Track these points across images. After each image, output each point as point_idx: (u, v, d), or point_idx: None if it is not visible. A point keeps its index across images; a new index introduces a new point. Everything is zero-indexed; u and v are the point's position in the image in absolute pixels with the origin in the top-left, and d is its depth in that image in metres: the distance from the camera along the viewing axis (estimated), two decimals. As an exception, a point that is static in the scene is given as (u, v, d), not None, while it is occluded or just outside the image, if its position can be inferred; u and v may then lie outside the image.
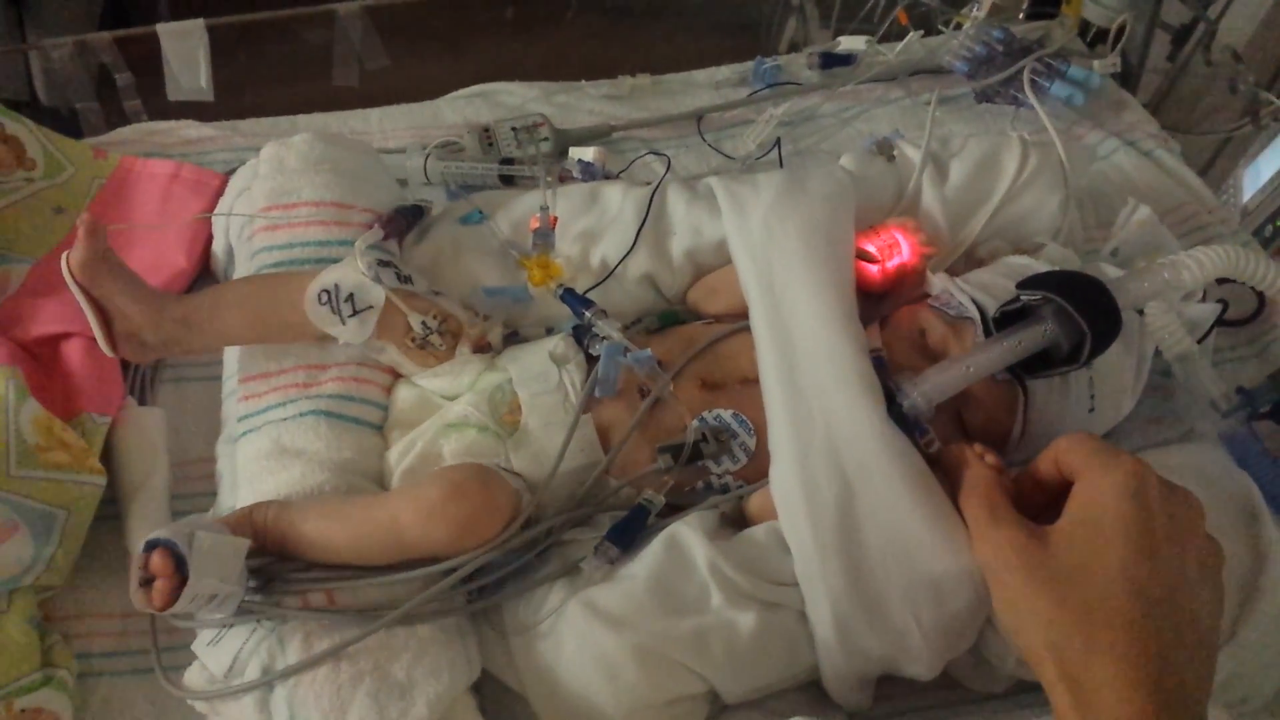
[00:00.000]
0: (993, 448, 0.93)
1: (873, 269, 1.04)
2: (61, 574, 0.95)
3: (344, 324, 0.97)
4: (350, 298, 0.97)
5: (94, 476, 0.97)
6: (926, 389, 0.89)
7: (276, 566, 0.88)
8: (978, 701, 0.94)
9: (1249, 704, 0.88)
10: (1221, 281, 1.06)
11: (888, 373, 0.93)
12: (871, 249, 1.05)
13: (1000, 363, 0.90)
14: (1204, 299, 1.08)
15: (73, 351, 1.06)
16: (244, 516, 0.88)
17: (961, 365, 0.90)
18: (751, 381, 0.96)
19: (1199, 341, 1.01)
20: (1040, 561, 0.73)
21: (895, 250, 1.05)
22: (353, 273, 0.98)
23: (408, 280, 1.01)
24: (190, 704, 0.87)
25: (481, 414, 0.97)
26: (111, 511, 1.00)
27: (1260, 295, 1.19)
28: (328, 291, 0.97)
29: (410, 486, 0.90)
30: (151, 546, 0.80)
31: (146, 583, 0.80)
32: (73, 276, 0.96)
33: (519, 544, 0.90)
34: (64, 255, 0.96)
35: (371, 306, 0.97)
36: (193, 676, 0.87)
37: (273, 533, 0.87)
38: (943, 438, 0.91)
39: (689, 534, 0.89)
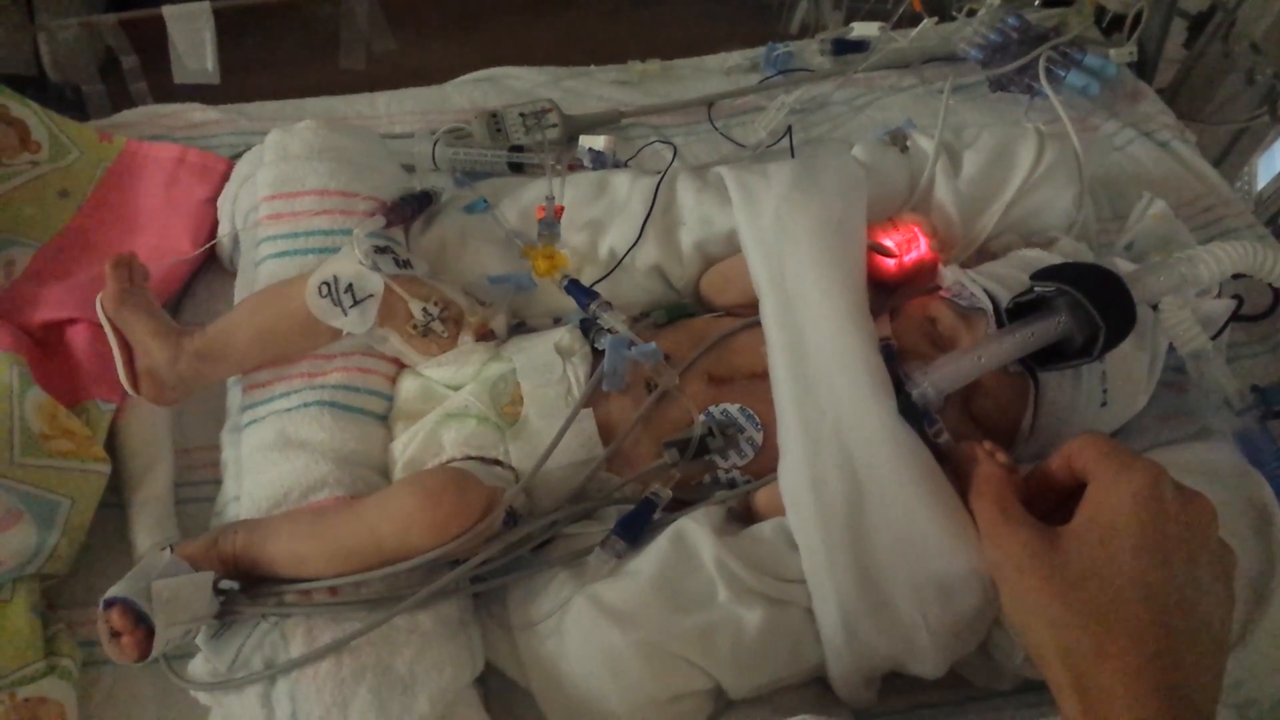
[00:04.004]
0: (1003, 440, 0.93)
1: (889, 263, 1.03)
2: (65, 562, 0.94)
3: (346, 315, 0.96)
4: (349, 288, 0.96)
5: (98, 464, 0.96)
6: (937, 378, 0.88)
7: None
8: (984, 699, 0.94)
9: (1256, 707, 0.87)
10: (1237, 276, 1.05)
11: (898, 362, 0.92)
12: (890, 244, 1.03)
13: (1012, 354, 0.89)
14: (1219, 295, 1.06)
15: (77, 337, 1.06)
16: (209, 545, 0.87)
17: (973, 355, 0.89)
18: (759, 376, 0.95)
19: (1213, 338, 1.00)
20: (1051, 564, 0.72)
21: (914, 245, 1.04)
22: (350, 263, 0.97)
23: (407, 264, 1.00)
24: (193, 695, 0.87)
25: (482, 404, 0.96)
26: (116, 499, 1.00)
27: (1276, 291, 1.18)
28: (327, 284, 0.96)
29: (383, 497, 0.89)
30: (109, 604, 0.80)
31: (116, 634, 0.80)
32: (104, 313, 0.97)
33: (518, 538, 0.89)
34: (99, 296, 0.98)
35: (372, 295, 0.97)
36: (197, 667, 0.87)
37: (243, 559, 0.87)
38: (953, 429, 0.90)
39: (695, 530, 0.88)
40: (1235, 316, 1.09)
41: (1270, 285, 1.15)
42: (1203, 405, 1.03)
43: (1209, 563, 0.71)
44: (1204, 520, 0.72)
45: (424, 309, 0.98)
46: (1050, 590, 0.72)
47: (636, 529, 0.89)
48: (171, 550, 0.86)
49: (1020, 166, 1.11)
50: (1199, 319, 0.98)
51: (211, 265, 1.21)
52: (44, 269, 1.15)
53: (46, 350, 1.06)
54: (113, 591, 0.80)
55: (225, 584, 0.88)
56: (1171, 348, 1.00)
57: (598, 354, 0.98)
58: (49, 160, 1.23)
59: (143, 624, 0.79)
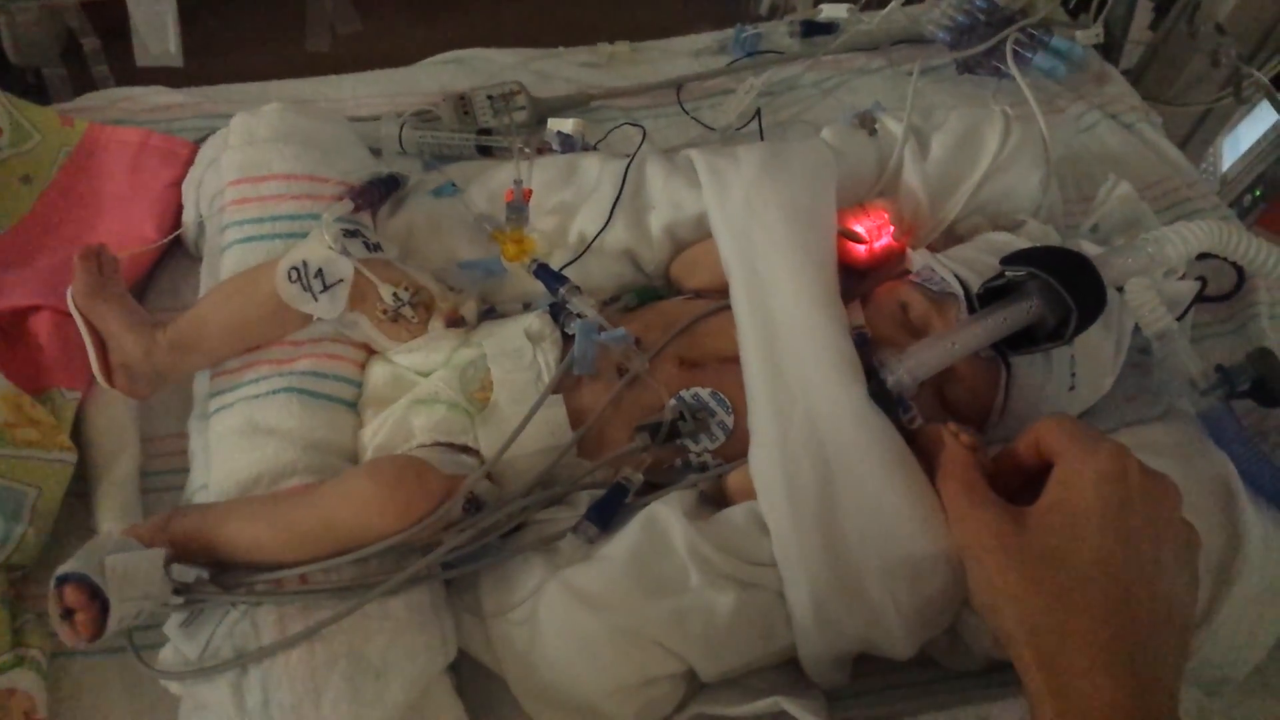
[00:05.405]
0: (973, 424, 0.94)
1: (859, 248, 1.04)
2: (33, 553, 0.93)
3: (316, 300, 0.96)
4: (319, 273, 0.96)
5: (64, 454, 0.95)
6: (911, 365, 0.89)
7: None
8: (953, 679, 0.95)
9: (1222, 684, 0.88)
10: (1202, 257, 1.06)
11: (871, 350, 0.93)
12: (860, 229, 1.04)
13: (985, 340, 0.89)
14: (1183, 276, 1.08)
15: (41, 325, 1.04)
16: (159, 526, 0.86)
17: (946, 342, 0.89)
18: (730, 360, 0.95)
19: (1178, 319, 1.01)
20: (1017, 544, 0.73)
21: (883, 230, 1.04)
22: (319, 247, 0.96)
23: (377, 248, 0.99)
24: (164, 685, 0.86)
25: (452, 390, 0.96)
26: (84, 488, 0.99)
27: (1240, 271, 1.19)
28: (296, 269, 0.95)
29: (338, 482, 0.88)
30: (61, 581, 0.78)
31: (68, 614, 0.78)
32: (75, 306, 0.96)
33: (488, 523, 0.88)
34: (69, 288, 0.96)
35: (342, 280, 0.96)
36: (168, 657, 0.86)
37: (194, 541, 0.85)
38: (925, 414, 0.90)
39: (667, 514, 0.88)
40: (1200, 297, 1.10)
41: (1235, 266, 1.17)
42: (1168, 386, 1.04)
43: (1173, 542, 0.72)
44: (1168, 500, 0.73)
45: (394, 293, 0.98)
46: (1016, 570, 0.72)
47: (608, 514, 0.89)
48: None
49: (987, 149, 1.11)
50: (1164, 300, 0.99)
51: (176, 251, 1.19)
52: (5, 256, 1.13)
53: (9, 338, 1.04)
54: (65, 568, 0.78)
55: (194, 572, 0.87)
56: (1136, 329, 1.01)
57: (568, 339, 0.98)
58: (10, 145, 1.21)
59: (97, 600, 0.78)
